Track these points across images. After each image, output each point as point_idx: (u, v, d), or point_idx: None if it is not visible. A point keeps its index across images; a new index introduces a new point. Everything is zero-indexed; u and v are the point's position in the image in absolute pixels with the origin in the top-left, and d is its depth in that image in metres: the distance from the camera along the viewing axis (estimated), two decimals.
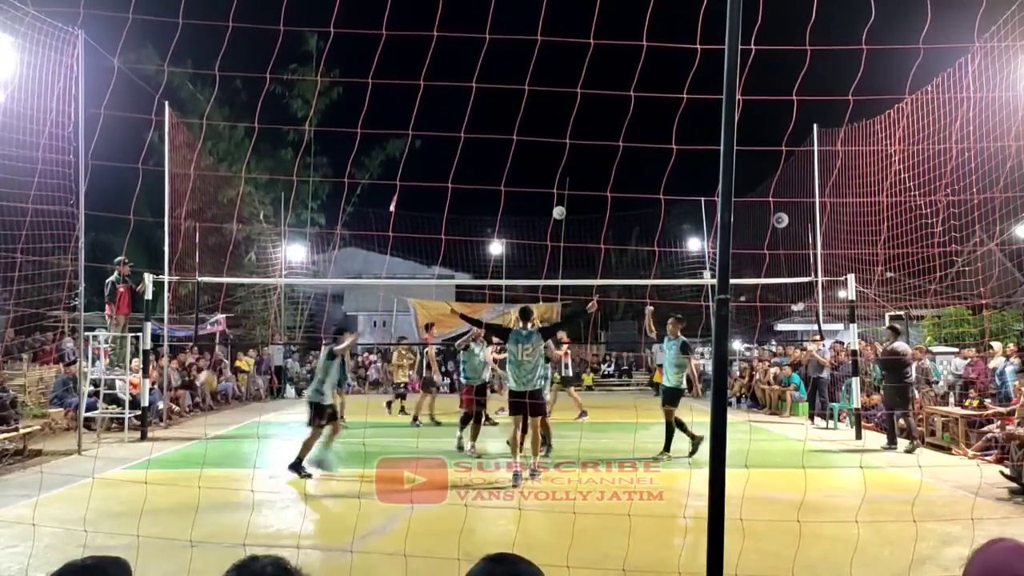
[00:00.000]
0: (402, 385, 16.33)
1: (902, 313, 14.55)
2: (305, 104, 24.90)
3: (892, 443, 11.57)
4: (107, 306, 13.10)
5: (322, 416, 8.92)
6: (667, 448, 10.13)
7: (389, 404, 16.46)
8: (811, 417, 15.37)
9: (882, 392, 12.75)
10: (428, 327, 15.69)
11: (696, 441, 9.98)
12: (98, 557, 1.93)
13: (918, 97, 12.22)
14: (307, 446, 8.84)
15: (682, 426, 10.19)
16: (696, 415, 10.07)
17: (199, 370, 18.08)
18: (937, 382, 14.10)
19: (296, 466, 8.75)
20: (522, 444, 8.83)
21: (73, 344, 14.53)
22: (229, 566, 1.72)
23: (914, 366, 12.36)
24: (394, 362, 16.95)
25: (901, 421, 11.71)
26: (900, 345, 11.90)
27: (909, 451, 11.03)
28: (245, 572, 1.74)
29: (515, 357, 8.86)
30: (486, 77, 4.54)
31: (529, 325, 9.02)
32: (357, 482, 8.04)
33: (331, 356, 9.30)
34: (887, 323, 15.71)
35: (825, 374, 15.17)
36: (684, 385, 10.51)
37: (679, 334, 10.44)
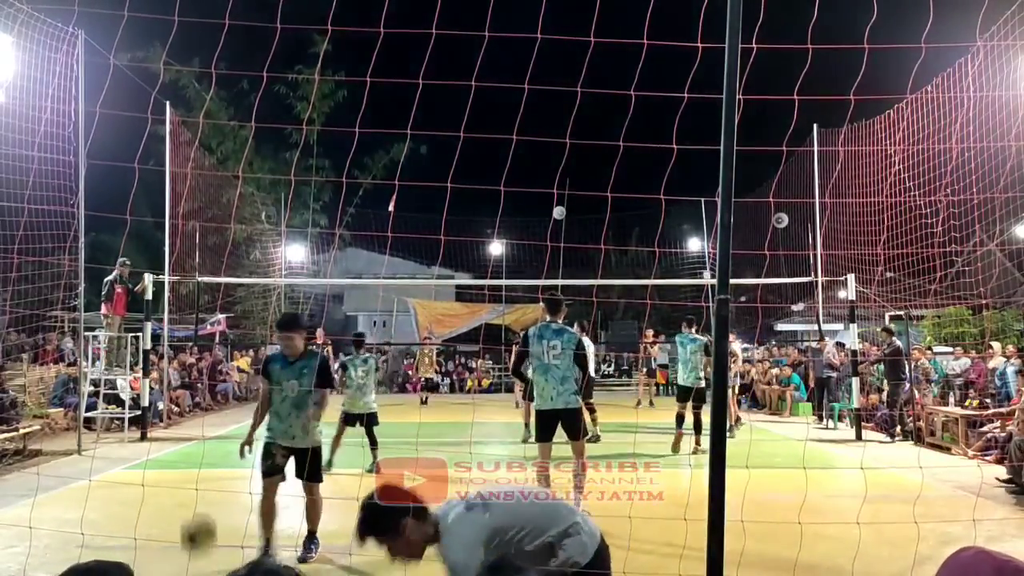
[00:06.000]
0: None
1: (902, 313, 14.56)
2: (310, 105, 24.94)
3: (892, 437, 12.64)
4: (103, 305, 13.15)
5: None
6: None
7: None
8: (820, 417, 15.31)
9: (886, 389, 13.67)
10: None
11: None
12: (102, 561, 1.91)
13: (919, 97, 12.20)
14: None
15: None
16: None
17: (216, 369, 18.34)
18: (939, 380, 14.12)
19: None
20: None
21: (73, 344, 14.53)
22: (228, 567, 1.71)
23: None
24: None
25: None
26: (898, 344, 13.08)
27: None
28: (256, 571, 1.73)
29: (540, 360, 6.73)
30: (487, 77, 4.52)
31: (559, 319, 6.95)
32: (357, 482, 8.03)
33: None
34: (886, 323, 15.72)
35: (833, 374, 15.18)
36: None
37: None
